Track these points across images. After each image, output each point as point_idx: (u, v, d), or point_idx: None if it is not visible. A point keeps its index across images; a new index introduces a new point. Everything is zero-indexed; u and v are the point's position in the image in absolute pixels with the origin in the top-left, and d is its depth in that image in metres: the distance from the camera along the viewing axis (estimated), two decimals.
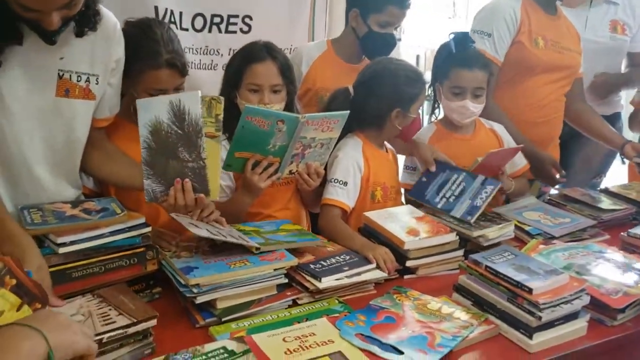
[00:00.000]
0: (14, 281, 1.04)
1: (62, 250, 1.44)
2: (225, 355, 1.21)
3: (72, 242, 1.45)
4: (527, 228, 2.09)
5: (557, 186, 2.63)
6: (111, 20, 1.75)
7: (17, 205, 1.64)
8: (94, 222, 1.51)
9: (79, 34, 1.61)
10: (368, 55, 2.54)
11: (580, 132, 2.85)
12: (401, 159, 2.43)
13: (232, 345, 1.25)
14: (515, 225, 2.07)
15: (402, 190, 2.33)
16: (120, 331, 1.28)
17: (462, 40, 2.36)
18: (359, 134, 2.18)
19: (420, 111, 2.26)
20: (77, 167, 1.81)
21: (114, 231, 1.52)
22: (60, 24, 1.47)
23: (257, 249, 1.64)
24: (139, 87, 1.84)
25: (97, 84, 1.72)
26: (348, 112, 1.90)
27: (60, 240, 1.44)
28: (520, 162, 2.44)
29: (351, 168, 2.08)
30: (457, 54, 2.33)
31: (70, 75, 1.66)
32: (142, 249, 1.56)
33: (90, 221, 1.51)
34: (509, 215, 2.14)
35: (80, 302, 1.40)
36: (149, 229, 1.57)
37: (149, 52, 1.82)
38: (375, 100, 2.13)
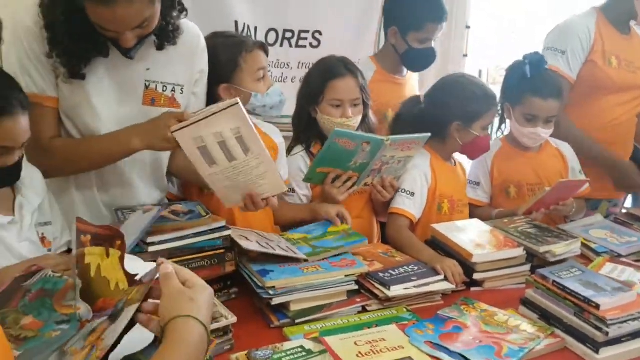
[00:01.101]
0: (89, 237, 1.11)
1: (151, 249, 1.55)
2: (304, 353, 1.28)
3: (160, 242, 1.56)
4: (593, 246, 2.09)
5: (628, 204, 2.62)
6: (194, 33, 1.87)
7: (110, 207, 1.77)
8: (181, 223, 1.61)
9: (159, 47, 1.74)
10: (410, 70, 2.63)
11: None
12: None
13: (309, 344, 1.32)
14: (582, 244, 2.08)
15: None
16: None
17: (536, 63, 2.37)
18: (427, 147, 2.23)
19: (489, 132, 2.28)
20: (164, 172, 1.93)
21: (197, 233, 1.62)
22: (135, 41, 1.60)
23: (306, 260, 1.71)
24: (246, 76, 1.95)
25: (182, 93, 1.84)
26: (429, 134, 2.00)
27: (149, 239, 1.55)
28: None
29: (418, 179, 2.15)
30: (531, 80, 2.34)
31: (156, 86, 1.78)
32: (222, 251, 1.65)
33: (178, 222, 1.61)
34: (575, 232, 2.15)
35: None
36: (229, 231, 1.67)
37: (240, 43, 1.95)
38: (439, 110, 2.19)
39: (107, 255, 1.08)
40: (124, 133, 1.68)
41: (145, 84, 1.77)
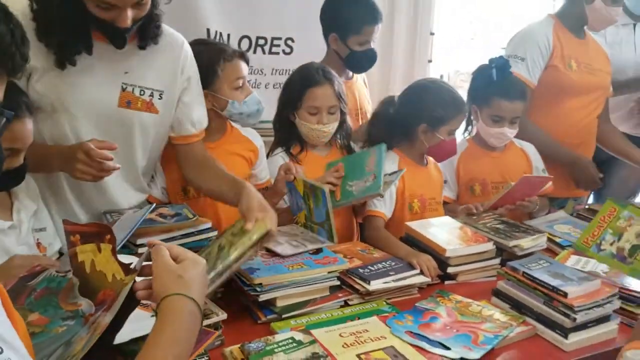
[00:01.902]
0: (77, 236, 1.15)
1: (140, 250, 1.60)
2: (294, 344, 1.35)
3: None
4: (558, 240, 2.21)
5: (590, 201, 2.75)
6: (178, 39, 1.92)
7: (88, 212, 1.81)
8: (169, 225, 1.67)
9: (142, 46, 1.79)
10: (355, 72, 2.74)
11: None
12: None
13: (299, 336, 1.39)
14: (548, 238, 2.19)
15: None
16: None
17: (502, 67, 2.48)
18: (396, 150, 2.33)
19: (455, 136, 2.36)
20: (139, 173, 1.97)
21: (185, 234, 1.68)
22: (131, 23, 1.64)
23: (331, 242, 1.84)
24: (223, 84, 2.02)
25: (160, 99, 1.87)
26: (384, 144, 2.15)
27: (138, 241, 1.60)
28: None
29: None
30: (497, 83, 2.45)
31: (133, 89, 1.82)
32: None
33: (165, 224, 1.66)
34: (541, 227, 2.26)
35: None
36: (215, 233, 1.73)
37: (220, 51, 2.02)
38: (409, 112, 2.28)
39: (99, 250, 1.11)
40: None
41: (122, 87, 1.80)
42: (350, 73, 2.76)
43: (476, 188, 2.52)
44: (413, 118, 2.27)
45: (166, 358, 0.91)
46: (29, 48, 0.92)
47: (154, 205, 1.70)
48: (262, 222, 1.47)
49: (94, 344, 0.98)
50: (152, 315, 1.01)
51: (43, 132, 1.77)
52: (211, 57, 2.00)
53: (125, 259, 1.21)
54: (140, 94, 1.84)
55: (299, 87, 2.20)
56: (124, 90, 1.80)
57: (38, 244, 1.61)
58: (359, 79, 2.84)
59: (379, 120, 2.35)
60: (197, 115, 1.98)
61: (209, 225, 1.73)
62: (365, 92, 2.85)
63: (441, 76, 3.86)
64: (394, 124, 2.30)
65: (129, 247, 1.62)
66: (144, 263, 1.09)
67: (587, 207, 2.68)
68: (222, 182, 1.84)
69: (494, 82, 2.44)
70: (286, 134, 2.24)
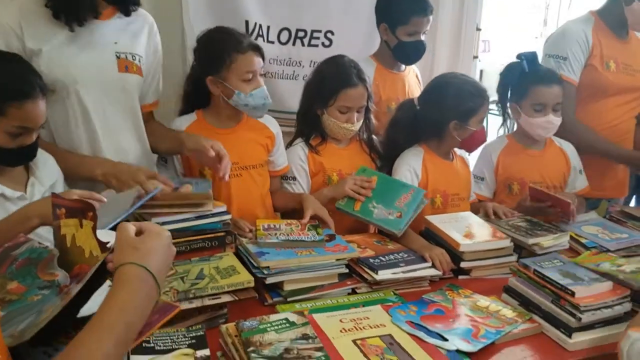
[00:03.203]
0: (63, 210, 1.20)
1: None
2: (287, 325, 1.39)
3: (164, 223, 1.67)
4: (583, 241, 2.16)
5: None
6: (149, 18, 2.11)
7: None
8: (182, 194, 1.76)
9: (126, 13, 1.97)
10: (403, 63, 2.74)
11: None
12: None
13: (293, 317, 1.43)
14: (573, 238, 2.15)
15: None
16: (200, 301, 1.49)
17: (532, 59, 2.47)
18: (422, 144, 2.33)
19: (484, 124, 2.36)
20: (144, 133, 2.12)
21: (199, 216, 1.73)
22: None
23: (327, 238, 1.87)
24: (232, 74, 2.05)
25: (141, 63, 2.04)
26: (423, 191, 2.18)
27: (154, 220, 1.67)
28: (582, 183, 2.54)
29: (408, 174, 2.25)
30: (531, 73, 2.44)
31: (126, 55, 1.99)
32: (222, 234, 1.77)
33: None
34: (567, 227, 2.22)
35: None
36: (229, 216, 1.78)
37: (235, 42, 2.05)
38: (435, 111, 2.27)
39: (81, 226, 1.16)
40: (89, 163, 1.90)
41: (116, 55, 1.97)
42: (403, 65, 2.78)
43: (514, 187, 2.49)
44: (441, 116, 2.26)
45: (117, 323, 0.93)
46: None
47: (158, 188, 1.72)
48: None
49: (60, 313, 1.03)
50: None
51: (51, 114, 1.88)
52: (225, 46, 2.05)
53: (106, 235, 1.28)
54: (133, 59, 2.01)
55: (333, 85, 2.22)
56: (118, 58, 1.97)
57: None
58: (411, 71, 2.86)
59: (399, 127, 2.36)
60: (159, 86, 2.19)
61: (224, 208, 1.79)
62: (419, 87, 2.85)
63: (481, 71, 3.80)
64: (419, 125, 2.30)
65: None
66: None
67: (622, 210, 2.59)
68: (169, 140, 2.09)
69: (527, 73, 2.43)
70: (309, 126, 2.29)
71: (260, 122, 2.22)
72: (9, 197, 1.68)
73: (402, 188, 2.15)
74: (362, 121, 2.28)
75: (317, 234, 1.87)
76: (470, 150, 2.38)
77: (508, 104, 2.56)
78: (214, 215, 1.76)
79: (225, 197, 2.08)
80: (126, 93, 2.02)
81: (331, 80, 2.24)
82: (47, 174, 1.81)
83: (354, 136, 2.34)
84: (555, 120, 2.41)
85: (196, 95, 2.17)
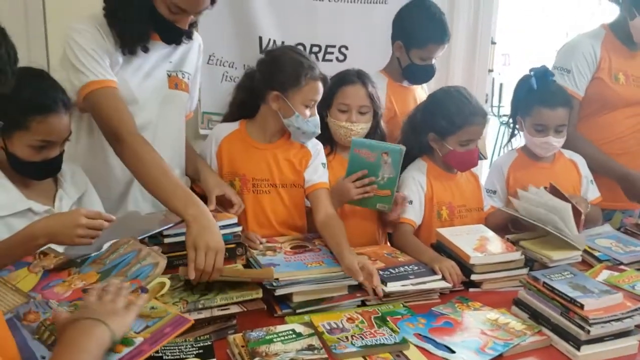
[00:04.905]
0: None
1: (166, 240, 1.71)
2: (294, 335, 1.41)
3: (176, 235, 1.72)
4: (596, 254, 2.15)
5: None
6: (198, 37, 2.18)
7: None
8: (245, 271, 1.72)
9: (178, 43, 2.04)
10: (410, 82, 2.74)
11: None
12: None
13: (300, 328, 1.45)
14: (586, 251, 2.14)
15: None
16: (209, 312, 1.52)
17: (542, 75, 2.46)
18: (425, 158, 2.36)
19: (477, 146, 2.31)
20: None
21: None
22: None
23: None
24: (298, 96, 2.06)
25: (189, 80, 2.14)
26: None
27: (165, 232, 1.71)
28: (593, 193, 2.52)
29: (414, 187, 2.26)
30: (538, 91, 2.43)
31: (176, 73, 2.07)
32: (233, 245, 1.79)
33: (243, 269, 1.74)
34: (583, 240, 2.20)
35: None
36: (239, 228, 1.81)
37: (310, 68, 2.07)
38: (421, 121, 2.31)
39: None
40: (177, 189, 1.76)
41: (167, 73, 2.05)
42: None
43: None
44: (424, 126, 2.29)
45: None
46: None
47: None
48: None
49: None
50: None
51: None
52: (300, 68, 2.06)
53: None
54: (182, 77, 2.10)
55: (332, 85, 2.25)
56: (169, 76, 2.05)
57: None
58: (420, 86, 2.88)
59: (403, 132, 2.40)
60: (194, 100, 2.31)
61: (234, 220, 1.82)
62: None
63: (501, 85, 3.81)
64: (412, 132, 2.33)
65: (156, 237, 1.72)
66: None
67: (636, 223, 2.58)
68: (190, 166, 2.17)
69: (535, 90, 2.42)
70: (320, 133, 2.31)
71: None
72: (36, 212, 1.72)
73: (379, 158, 2.14)
74: (365, 125, 2.27)
75: (394, 331, 1.58)
76: (459, 169, 2.36)
77: (515, 117, 2.57)
78: (224, 227, 1.78)
79: (252, 211, 2.12)
80: (175, 110, 2.10)
81: (332, 82, 2.27)
82: (75, 185, 1.85)
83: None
84: (555, 141, 2.41)
85: (247, 104, 2.20)
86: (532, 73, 2.45)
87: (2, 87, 0.99)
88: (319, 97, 2.10)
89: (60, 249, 1.55)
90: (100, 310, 1.16)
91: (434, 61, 2.63)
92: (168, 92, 2.05)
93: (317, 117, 2.12)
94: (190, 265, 1.54)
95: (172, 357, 1.32)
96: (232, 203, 2.02)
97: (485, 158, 2.81)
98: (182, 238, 1.71)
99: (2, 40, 0.99)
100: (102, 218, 1.55)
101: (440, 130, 2.25)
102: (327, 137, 2.31)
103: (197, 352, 1.35)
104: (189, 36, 2.03)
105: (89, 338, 1.08)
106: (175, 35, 1.96)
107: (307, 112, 2.08)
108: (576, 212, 2.18)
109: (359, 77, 2.27)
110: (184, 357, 1.33)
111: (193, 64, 2.15)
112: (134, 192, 2.05)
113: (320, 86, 2.09)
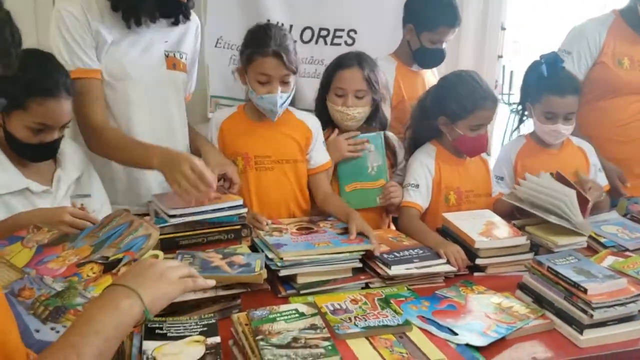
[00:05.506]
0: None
1: (172, 220, 1.72)
2: (297, 315, 1.41)
3: (182, 215, 1.73)
4: (602, 240, 2.14)
5: None
6: (196, 19, 2.21)
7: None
8: (229, 276, 1.57)
9: (176, 22, 2.08)
10: (420, 66, 2.75)
11: None
12: None
13: (303, 308, 1.45)
14: (592, 237, 2.13)
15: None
16: (213, 292, 1.53)
17: (552, 62, 2.44)
18: (434, 142, 2.36)
19: (487, 131, 2.32)
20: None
21: (215, 209, 1.78)
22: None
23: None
24: (250, 70, 2.10)
25: (187, 61, 2.16)
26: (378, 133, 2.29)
27: (172, 212, 1.72)
28: (601, 181, 2.52)
29: (421, 171, 2.27)
30: (548, 79, 2.41)
31: (174, 54, 2.08)
32: (238, 227, 1.81)
33: (227, 275, 1.57)
34: (589, 227, 2.19)
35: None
36: (245, 210, 1.82)
37: (260, 42, 2.07)
38: (432, 104, 2.31)
39: None
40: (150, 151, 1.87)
41: (165, 53, 2.07)
42: None
43: None
44: (435, 110, 2.29)
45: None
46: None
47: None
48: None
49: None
50: None
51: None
52: (251, 43, 2.10)
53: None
54: (180, 57, 2.12)
55: (330, 68, 2.29)
56: (167, 56, 2.07)
57: (82, 209, 1.75)
58: (429, 70, 2.87)
59: (413, 123, 2.40)
60: (193, 82, 2.34)
61: (240, 202, 1.83)
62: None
63: (511, 72, 3.78)
64: (423, 115, 2.33)
65: (162, 217, 1.74)
66: None
67: None
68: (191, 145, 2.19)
69: (545, 78, 2.40)
70: (321, 117, 2.32)
71: (299, 119, 2.25)
72: (34, 192, 1.73)
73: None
74: (362, 109, 2.27)
75: (397, 313, 1.59)
76: (469, 154, 2.36)
77: (525, 104, 2.56)
78: (230, 208, 1.80)
79: (255, 189, 2.14)
80: (173, 90, 2.11)
81: (330, 65, 2.32)
82: (75, 165, 1.86)
83: (366, 131, 2.34)
84: (564, 129, 2.41)
85: None
86: (542, 60, 2.43)
87: (6, 69, 1.00)
88: (272, 73, 2.05)
89: None
90: (144, 274, 1.09)
91: (444, 45, 2.62)
92: (166, 72, 2.07)
93: (276, 95, 2.06)
94: (182, 195, 1.71)
95: (176, 334, 1.33)
96: (232, 182, 2.02)
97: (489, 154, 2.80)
98: (188, 218, 1.74)
99: (7, 22, 0.99)
100: (87, 219, 1.58)
101: (450, 114, 2.25)
102: (328, 120, 2.32)
103: (201, 329, 1.35)
104: (186, 16, 2.07)
105: (111, 315, 1.00)
106: (173, 9, 2.00)
107: (261, 87, 2.08)
108: (582, 200, 2.17)
109: (357, 60, 2.26)
110: (188, 334, 1.33)
111: (191, 45, 2.18)
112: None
113: (269, 62, 2.04)
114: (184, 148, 2.13)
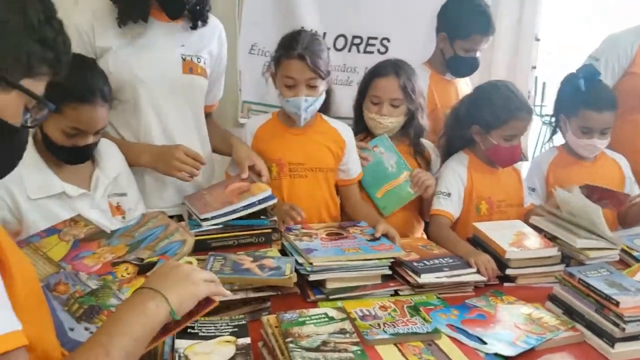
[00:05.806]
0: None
1: (205, 224, 1.76)
2: (326, 319, 1.43)
3: (213, 217, 1.77)
4: (635, 254, 2.11)
5: None
6: (219, 25, 2.21)
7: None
8: (260, 279, 1.58)
9: (194, 27, 2.07)
10: (453, 75, 2.75)
11: None
12: None
13: (332, 312, 1.46)
14: (624, 250, 2.10)
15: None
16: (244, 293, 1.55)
17: (590, 76, 2.41)
18: (467, 151, 2.35)
19: (520, 142, 2.31)
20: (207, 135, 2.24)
21: (246, 205, 1.83)
22: None
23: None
24: (278, 74, 2.14)
25: (206, 65, 2.14)
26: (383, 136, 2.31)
27: (203, 215, 1.75)
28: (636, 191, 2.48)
29: (453, 180, 2.27)
30: (585, 93, 2.38)
31: (191, 58, 2.08)
32: (269, 230, 1.83)
33: (258, 277, 1.58)
34: (620, 240, 2.17)
35: None
36: (275, 200, 1.88)
37: (287, 46, 2.10)
38: (466, 113, 2.31)
39: None
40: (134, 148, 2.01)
41: (182, 57, 2.07)
42: None
43: None
44: (469, 119, 2.28)
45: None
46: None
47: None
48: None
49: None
50: None
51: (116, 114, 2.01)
52: (280, 46, 2.14)
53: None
54: (198, 61, 2.11)
55: (367, 76, 2.31)
56: (184, 60, 2.07)
57: (117, 207, 1.79)
58: (463, 79, 2.87)
59: (447, 124, 2.40)
60: (220, 91, 2.32)
61: (268, 192, 1.87)
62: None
63: (544, 84, 3.75)
64: (457, 124, 2.33)
65: (194, 220, 1.77)
66: None
67: None
68: (220, 140, 2.24)
69: (582, 92, 2.38)
70: (358, 124, 2.35)
71: (333, 127, 2.26)
72: (71, 196, 1.77)
73: (374, 154, 2.32)
74: (397, 118, 2.28)
75: (426, 321, 1.59)
76: (501, 164, 2.33)
77: (558, 116, 2.54)
78: (261, 202, 1.85)
79: (287, 196, 2.16)
80: (190, 94, 2.11)
81: (368, 73, 2.34)
82: (112, 164, 1.90)
83: (401, 139, 2.36)
84: (600, 143, 2.39)
85: None
86: (579, 73, 2.41)
87: (56, 76, 1.03)
88: (297, 76, 2.07)
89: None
90: (169, 275, 1.12)
91: (478, 54, 2.62)
92: (182, 76, 2.06)
93: (300, 99, 2.07)
94: (187, 180, 1.95)
95: (207, 334, 1.35)
96: (260, 175, 2.05)
97: (527, 159, 2.79)
98: (220, 220, 1.78)
99: (60, 31, 1.02)
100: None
101: (484, 123, 2.24)
102: (364, 127, 2.34)
103: (232, 330, 1.38)
104: (204, 20, 2.08)
105: (138, 316, 1.03)
106: (177, 8, 1.99)
107: (288, 91, 2.10)
108: (621, 196, 2.20)
109: (393, 68, 2.27)
110: (219, 334, 1.36)
111: (213, 51, 2.16)
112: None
113: (294, 64, 2.06)
114: (200, 151, 2.11)
